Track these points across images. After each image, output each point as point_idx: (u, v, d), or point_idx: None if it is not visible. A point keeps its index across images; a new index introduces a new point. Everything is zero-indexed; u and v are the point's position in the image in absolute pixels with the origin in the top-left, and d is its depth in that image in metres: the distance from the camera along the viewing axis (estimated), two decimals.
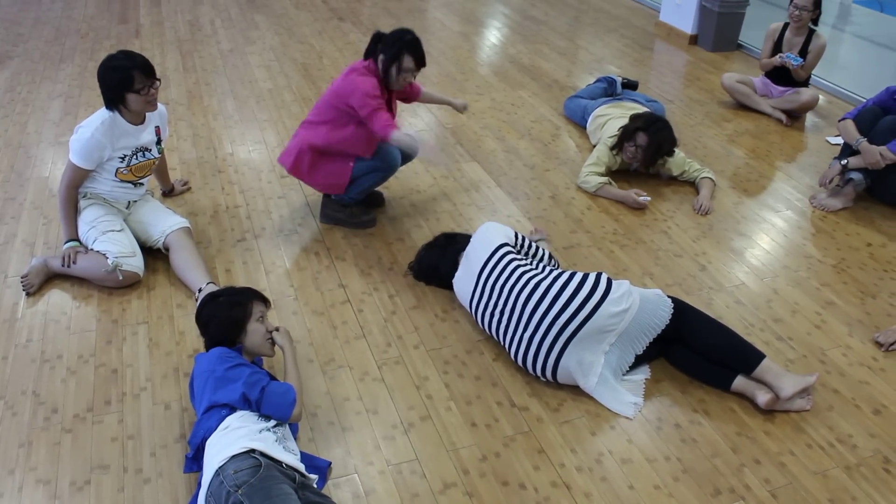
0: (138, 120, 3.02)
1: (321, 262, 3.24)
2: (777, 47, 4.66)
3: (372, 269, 3.20)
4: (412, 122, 4.52)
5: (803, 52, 4.56)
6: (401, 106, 4.73)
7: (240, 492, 1.83)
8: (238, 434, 2.01)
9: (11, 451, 2.31)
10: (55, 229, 3.38)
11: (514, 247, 2.80)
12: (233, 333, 2.31)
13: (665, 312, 2.55)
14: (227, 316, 2.31)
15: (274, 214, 3.57)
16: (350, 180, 3.27)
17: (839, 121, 3.84)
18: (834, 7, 7.75)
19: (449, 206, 3.66)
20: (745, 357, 2.54)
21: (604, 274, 2.59)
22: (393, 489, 2.21)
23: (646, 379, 2.61)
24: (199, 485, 2.00)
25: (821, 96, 4.95)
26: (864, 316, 2.99)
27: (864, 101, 4.05)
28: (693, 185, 3.92)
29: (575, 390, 2.57)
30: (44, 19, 6.37)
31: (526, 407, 2.52)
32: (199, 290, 2.89)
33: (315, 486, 2.06)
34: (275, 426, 2.11)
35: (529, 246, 2.88)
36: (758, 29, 5.60)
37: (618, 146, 3.82)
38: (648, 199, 3.69)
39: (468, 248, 2.87)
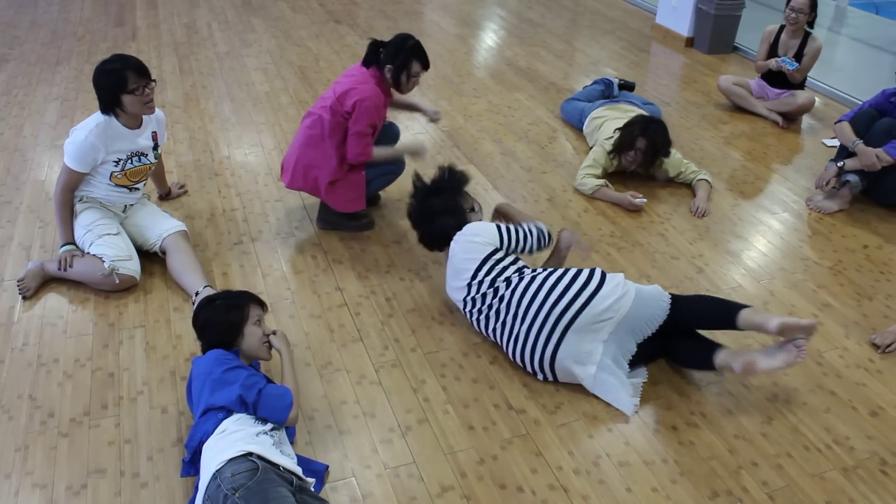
0: (134, 124, 3.02)
1: (318, 265, 3.24)
2: (773, 50, 4.67)
3: (369, 272, 3.20)
4: (408, 126, 4.52)
5: (799, 55, 4.57)
6: (398, 109, 4.72)
7: (237, 495, 1.83)
8: (235, 437, 2.01)
9: (8, 455, 2.30)
10: (51, 233, 3.37)
11: (500, 248, 2.74)
12: (229, 337, 2.31)
13: (665, 303, 2.55)
14: (223, 319, 2.31)
15: (271, 217, 3.57)
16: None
17: (835, 123, 3.85)
18: (830, 9, 7.77)
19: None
20: (727, 310, 2.53)
21: (598, 268, 2.61)
22: (390, 492, 2.21)
23: (643, 382, 2.61)
24: (197, 488, 2.00)
25: (817, 99, 4.96)
26: (861, 318, 3.00)
27: (861, 103, 4.06)
28: (689, 187, 3.93)
29: (572, 393, 2.57)
30: (40, 22, 6.36)
31: (523, 410, 2.52)
32: (196, 294, 2.89)
33: (312, 489, 2.06)
34: (272, 430, 2.11)
35: (516, 235, 2.77)
36: (754, 31, 5.61)
37: (616, 153, 3.83)
38: (644, 201, 3.69)
39: (454, 260, 2.76)
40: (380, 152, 3.26)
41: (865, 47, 6.86)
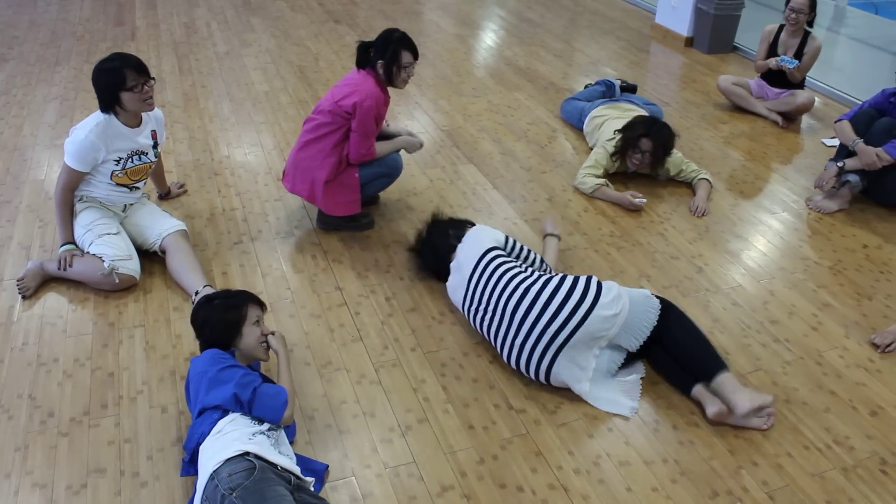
0: (134, 122, 3.02)
1: (318, 264, 3.24)
2: (773, 49, 4.68)
3: (369, 271, 3.20)
4: (408, 126, 4.52)
5: (799, 55, 4.57)
6: (398, 108, 4.73)
7: (234, 494, 1.83)
8: (232, 437, 2.01)
9: (7, 454, 2.30)
10: (51, 232, 3.37)
11: (503, 250, 2.80)
12: (228, 337, 2.31)
13: (653, 314, 2.55)
14: (222, 319, 2.31)
15: (270, 217, 3.56)
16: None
17: (835, 122, 3.85)
18: (829, 9, 7.78)
19: (446, 209, 3.66)
20: (704, 365, 2.50)
21: (594, 277, 2.58)
22: (390, 492, 2.21)
23: (641, 378, 2.61)
24: (196, 488, 1.99)
25: (816, 98, 4.96)
26: (861, 317, 3.00)
27: (860, 103, 4.06)
28: (689, 186, 3.93)
29: (572, 393, 2.57)
30: (39, 21, 6.36)
31: (523, 409, 2.51)
32: (196, 294, 2.89)
33: (312, 489, 2.06)
34: (269, 430, 2.11)
35: (521, 250, 2.89)
36: (753, 31, 5.62)
37: (620, 155, 3.82)
38: (644, 200, 3.69)
39: (458, 254, 2.85)
40: (380, 148, 3.26)
41: (865, 47, 6.86)
